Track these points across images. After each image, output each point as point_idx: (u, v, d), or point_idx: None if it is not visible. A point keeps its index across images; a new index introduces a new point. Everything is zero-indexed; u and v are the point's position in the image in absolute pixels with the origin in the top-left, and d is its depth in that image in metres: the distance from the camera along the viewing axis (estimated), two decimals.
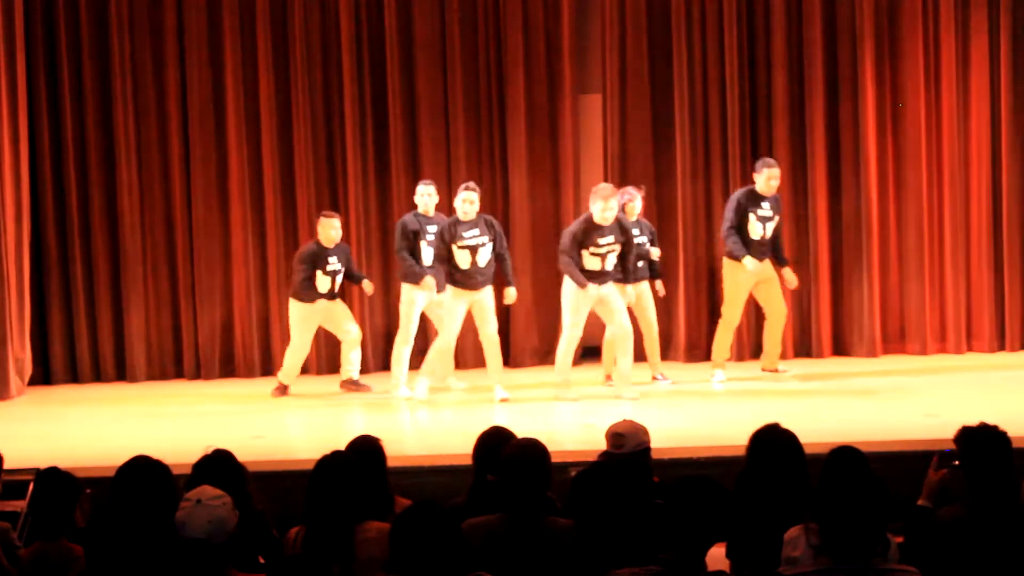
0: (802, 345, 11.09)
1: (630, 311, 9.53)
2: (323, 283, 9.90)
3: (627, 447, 5.13)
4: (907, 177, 11.04)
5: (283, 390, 10.06)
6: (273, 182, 11.26)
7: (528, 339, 11.33)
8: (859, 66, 10.92)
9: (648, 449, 5.21)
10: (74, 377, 11.34)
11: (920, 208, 11.01)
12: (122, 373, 11.35)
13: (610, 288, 9.26)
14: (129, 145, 11.25)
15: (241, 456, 5.01)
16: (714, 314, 11.13)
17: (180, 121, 11.28)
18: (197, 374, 11.33)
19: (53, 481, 4.90)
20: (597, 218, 9.18)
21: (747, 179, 11.00)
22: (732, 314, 9.89)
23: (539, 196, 11.29)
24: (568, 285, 9.25)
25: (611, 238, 9.21)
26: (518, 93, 11.20)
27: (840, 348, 11.15)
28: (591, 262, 9.21)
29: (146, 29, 11.22)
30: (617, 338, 9.30)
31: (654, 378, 9.89)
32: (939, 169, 11.03)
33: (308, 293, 9.91)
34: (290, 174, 11.27)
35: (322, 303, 9.91)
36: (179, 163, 11.29)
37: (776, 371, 10.01)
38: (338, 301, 10.10)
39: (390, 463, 5.13)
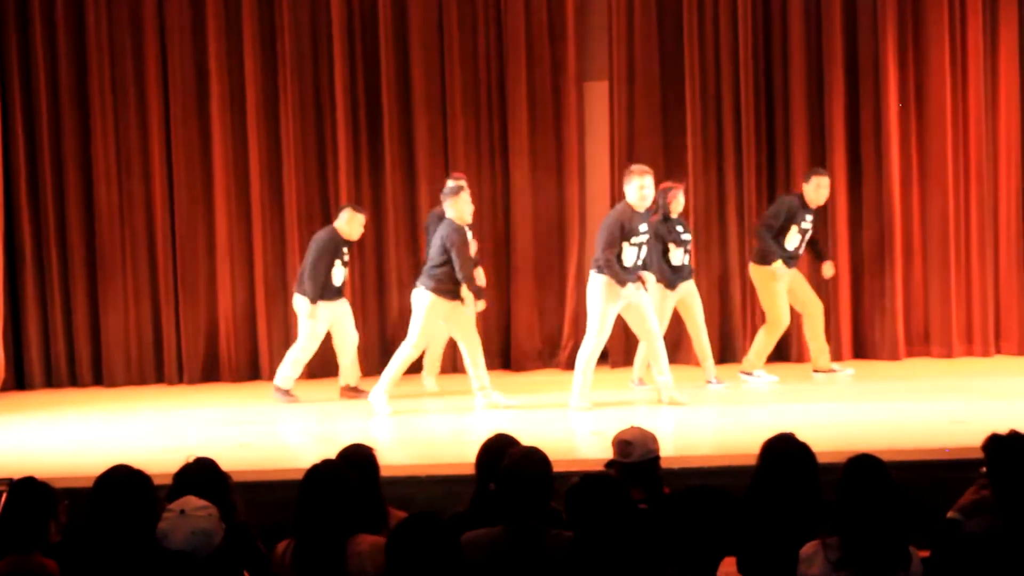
0: None
1: (676, 313, 9.71)
2: (338, 275, 9.92)
3: (635, 455, 5.14)
4: (932, 169, 11.04)
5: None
6: (260, 172, 11.25)
7: (531, 342, 11.33)
8: (880, 52, 10.91)
9: (657, 458, 5.22)
10: (50, 382, 11.35)
11: (946, 202, 11.00)
12: (99, 377, 11.36)
13: (641, 291, 9.14)
14: (107, 133, 11.26)
15: (225, 465, 5.02)
16: (726, 315, 11.15)
17: (161, 108, 11.27)
18: (179, 378, 11.34)
19: (27, 492, 4.90)
20: (634, 200, 9.06)
21: (762, 172, 11.05)
22: (777, 316, 10.03)
23: (542, 190, 11.28)
24: (597, 284, 9.04)
25: (645, 225, 9.13)
26: (519, 80, 11.20)
27: (861, 350, 11.15)
28: (629, 255, 9.06)
29: (124, 9, 11.23)
30: (649, 347, 9.26)
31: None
32: (966, 161, 11.03)
33: (325, 285, 9.90)
34: (277, 164, 11.27)
35: (329, 305, 9.92)
36: (159, 152, 11.29)
37: (831, 371, 10.16)
38: (345, 300, 10.11)
39: (384, 472, 5.14)
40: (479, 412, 9.28)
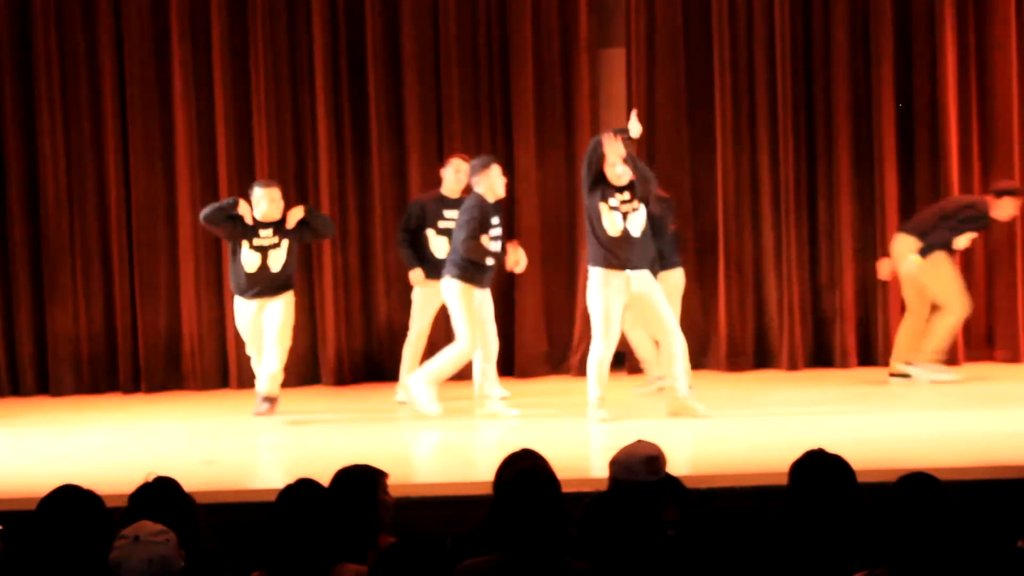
0: (865, 350, 11.07)
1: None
2: (248, 259, 9.71)
3: (663, 473, 5.12)
4: (995, 149, 11.03)
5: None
6: (228, 152, 11.25)
7: (537, 345, 11.34)
8: (936, 10, 10.90)
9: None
10: None
11: None
12: (44, 385, 11.36)
13: (646, 276, 9.10)
14: (53, 108, 11.25)
15: (189, 485, 5.02)
16: (761, 311, 11.13)
17: (115, 79, 11.27)
18: (136, 386, 11.34)
19: None
20: (608, 174, 9.03)
21: (800, 151, 11.03)
22: (957, 304, 10.19)
23: (550, 172, 11.28)
24: (594, 278, 9.04)
25: (627, 195, 9.01)
26: (525, 47, 11.20)
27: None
28: (611, 222, 8.99)
29: None
30: (663, 345, 9.25)
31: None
32: None
33: (233, 272, 9.83)
34: (248, 143, 11.27)
35: (244, 303, 9.82)
36: (114, 130, 11.28)
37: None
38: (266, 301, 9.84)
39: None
40: (479, 422, 9.31)
